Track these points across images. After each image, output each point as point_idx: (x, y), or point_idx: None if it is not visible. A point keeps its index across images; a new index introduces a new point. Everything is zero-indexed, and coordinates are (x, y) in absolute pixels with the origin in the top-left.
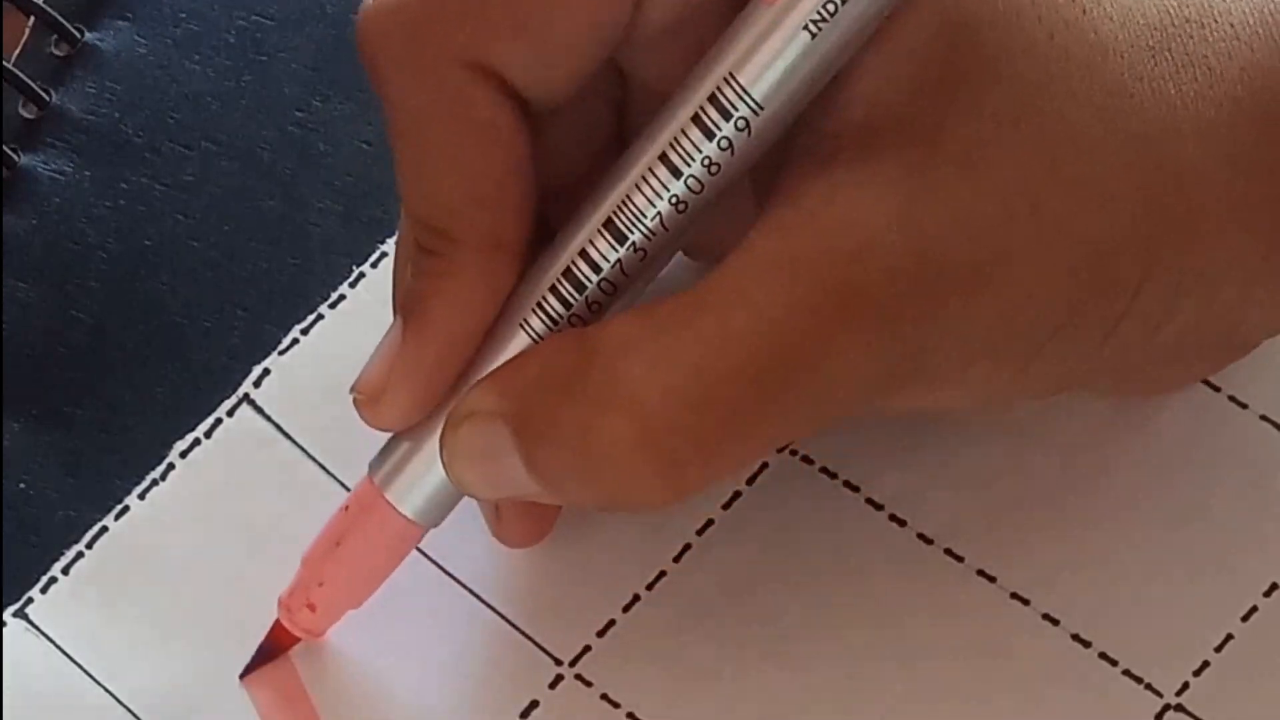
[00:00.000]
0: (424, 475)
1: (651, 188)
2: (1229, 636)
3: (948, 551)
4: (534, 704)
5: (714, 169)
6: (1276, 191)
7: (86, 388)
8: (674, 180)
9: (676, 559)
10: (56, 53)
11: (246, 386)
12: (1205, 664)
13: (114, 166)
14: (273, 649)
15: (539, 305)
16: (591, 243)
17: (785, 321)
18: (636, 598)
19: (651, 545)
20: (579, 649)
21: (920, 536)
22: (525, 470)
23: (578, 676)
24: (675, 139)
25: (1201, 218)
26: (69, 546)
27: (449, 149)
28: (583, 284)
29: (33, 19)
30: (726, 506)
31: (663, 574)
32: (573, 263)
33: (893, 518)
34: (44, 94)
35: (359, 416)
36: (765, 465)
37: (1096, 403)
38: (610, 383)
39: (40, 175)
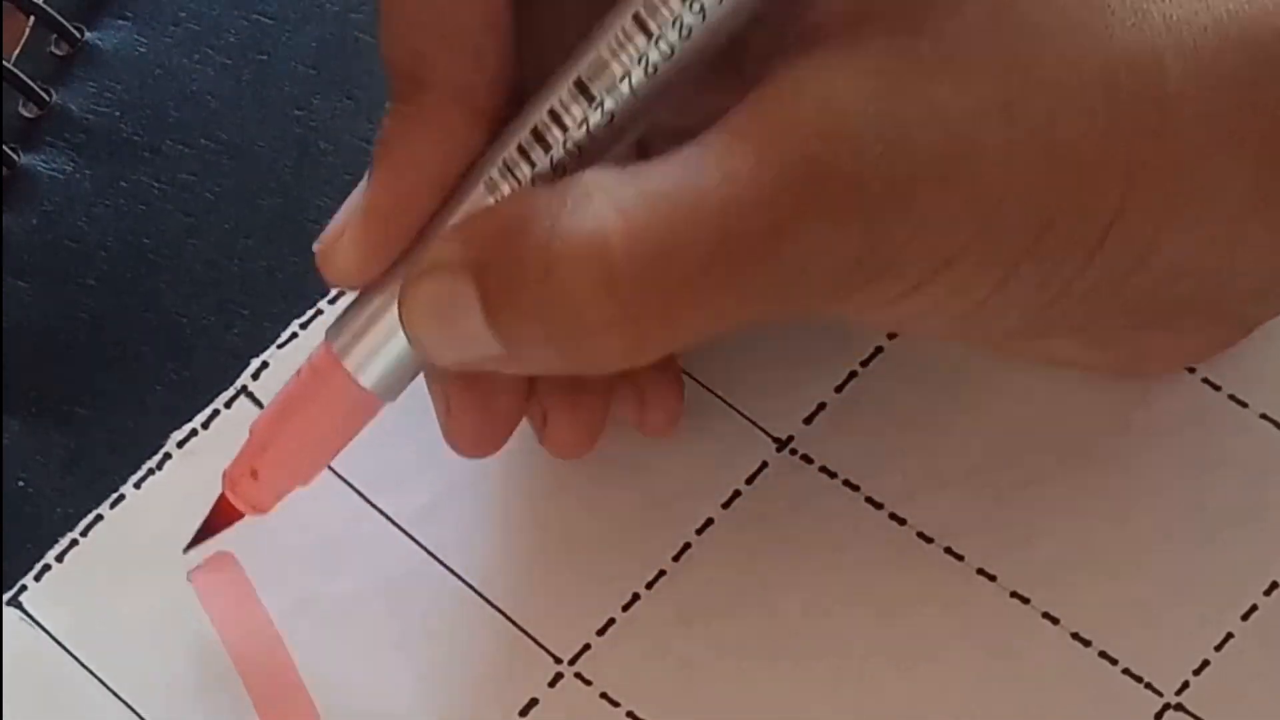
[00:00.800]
0: (383, 344)
1: (623, 48)
2: (1229, 635)
3: (948, 550)
4: (533, 702)
5: (686, 32)
6: (1264, 120)
7: (86, 385)
8: (646, 42)
9: (676, 558)
10: (56, 52)
11: (245, 379)
12: (1205, 663)
13: (114, 165)
14: (215, 523)
15: (504, 164)
16: (561, 102)
17: (755, 190)
18: (636, 596)
19: (651, 544)
20: (579, 647)
21: (920, 535)
22: (485, 327)
23: (577, 675)
24: (648, 0)
25: (1184, 141)
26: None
27: None
28: (549, 144)
29: (33, 18)
30: (726, 506)
31: (662, 573)
32: (541, 121)
33: (893, 516)
34: (44, 93)
35: (319, 269)
36: (765, 465)
37: (1096, 400)
38: (578, 224)
39: (40, 174)
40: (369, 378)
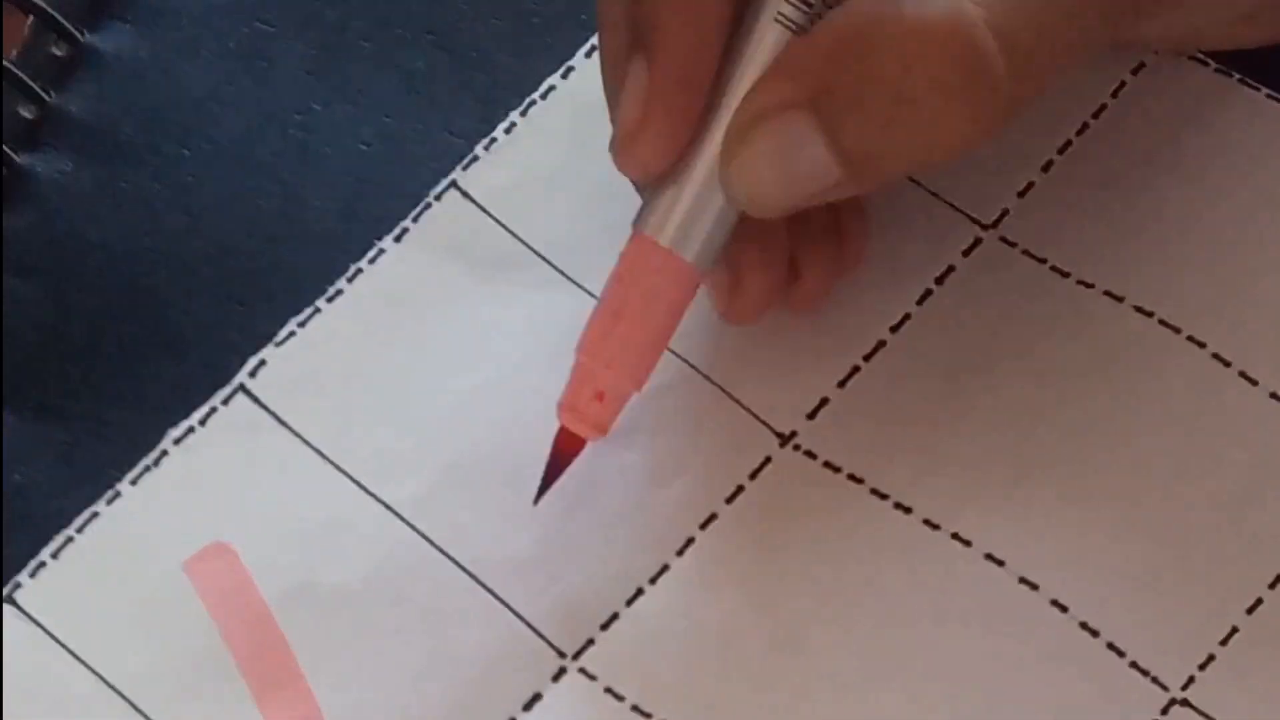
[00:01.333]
0: (695, 212)
1: None
2: (1234, 629)
3: (954, 537)
4: (537, 697)
5: None
6: None
7: (83, 382)
8: None
9: (680, 552)
10: (57, 53)
11: (242, 376)
12: (1211, 657)
13: (113, 166)
14: (560, 461)
15: None
16: None
17: None
18: (640, 591)
19: (655, 538)
20: (583, 642)
21: (926, 523)
22: (829, 155)
23: (581, 670)
24: None
25: None
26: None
27: None
28: None
29: (32, 18)
30: (730, 501)
31: (666, 567)
32: None
33: (898, 506)
34: (44, 94)
35: (621, 169)
36: (769, 459)
37: (1102, 387)
38: (928, 11)
39: (39, 174)
40: (690, 251)
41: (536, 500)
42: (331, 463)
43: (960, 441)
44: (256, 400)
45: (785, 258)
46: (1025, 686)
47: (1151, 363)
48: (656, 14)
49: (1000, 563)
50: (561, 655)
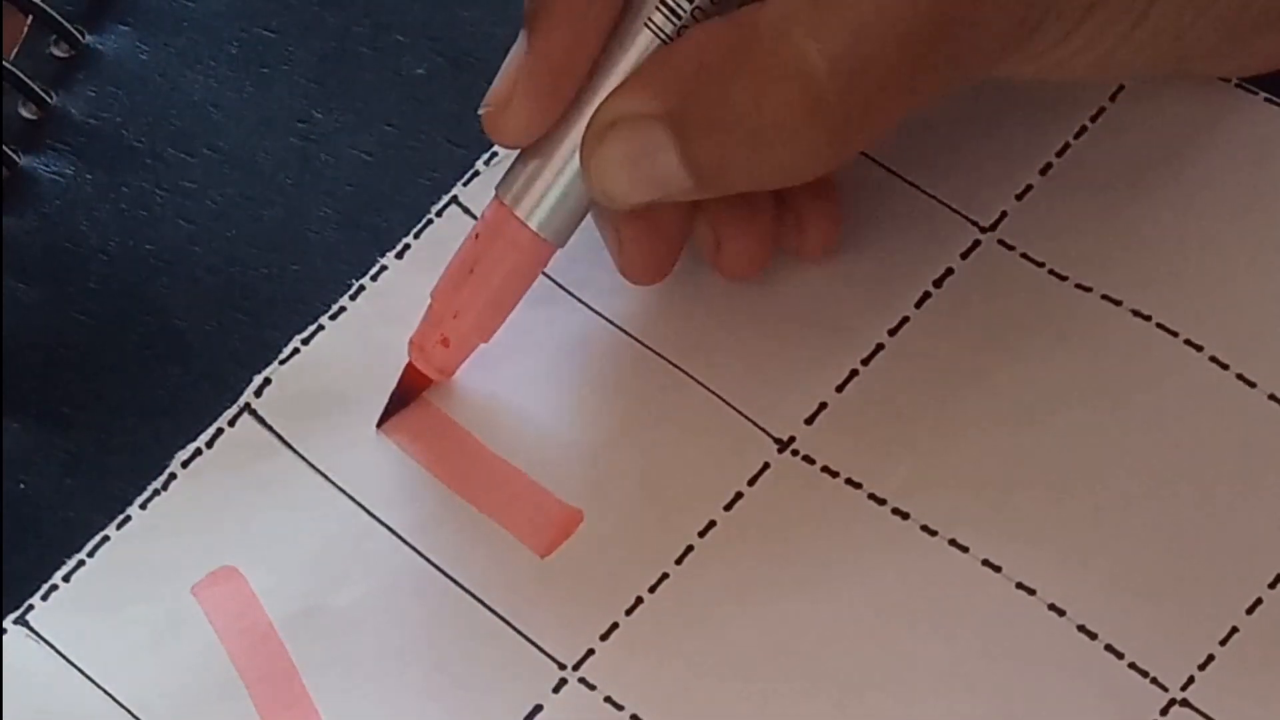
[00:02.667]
0: (553, 190)
1: None
2: (1234, 629)
3: (952, 543)
4: (538, 708)
5: None
6: None
7: (86, 389)
8: None
9: (679, 560)
10: (57, 53)
11: (248, 396)
12: (1210, 657)
13: (115, 170)
14: (405, 394)
15: (663, 4)
16: None
17: None
18: (639, 600)
19: (653, 547)
20: (582, 652)
21: (924, 529)
22: (680, 166)
23: (581, 680)
24: None
25: None
26: (67, 547)
27: None
28: None
29: (31, 18)
30: (728, 508)
31: (665, 576)
32: None
33: (895, 511)
34: (45, 95)
35: (488, 133)
36: (767, 465)
37: (1099, 390)
38: (778, 56)
39: (41, 177)
40: (539, 223)
41: (380, 425)
42: (335, 485)
43: (958, 446)
44: (262, 421)
45: (767, 218)
46: (1024, 690)
47: (1149, 366)
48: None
49: (997, 568)
50: (561, 666)
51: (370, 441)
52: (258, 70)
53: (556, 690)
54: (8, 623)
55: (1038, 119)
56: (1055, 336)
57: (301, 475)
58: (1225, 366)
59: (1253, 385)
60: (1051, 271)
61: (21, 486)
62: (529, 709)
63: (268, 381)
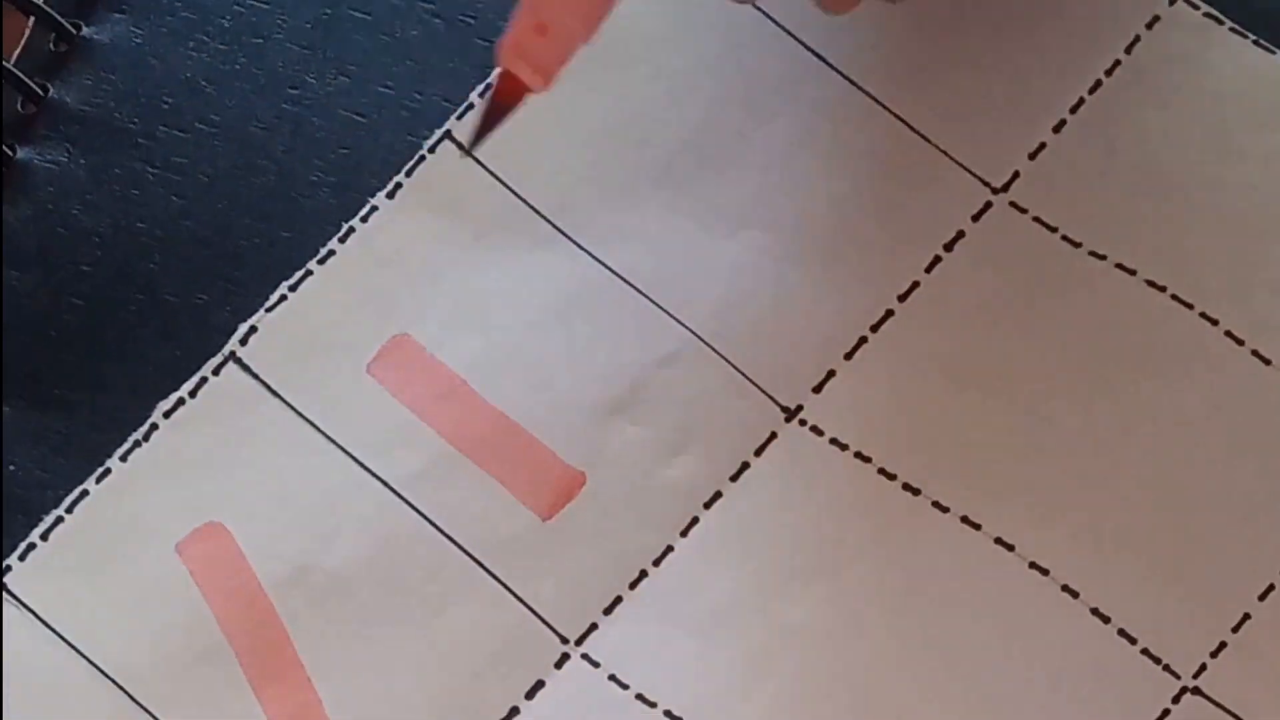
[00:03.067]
0: None
1: None
2: (1246, 615)
3: (964, 520)
4: (539, 684)
5: None
6: None
7: (79, 370)
8: None
9: (684, 533)
10: (55, 49)
11: (233, 344)
12: (1223, 644)
13: (107, 153)
14: (500, 108)
15: None
16: None
17: None
18: (643, 573)
19: (658, 519)
20: (585, 627)
21: (935, 505)
22: None
23: (584, 656)
24: None
25: None
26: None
27: None
28: None
29: (33, 19)
30: (734, 478)
31: (670, 548)
32: None
33: (906, 487)
34: (41, 89)
35: None
36: (774, 435)
37: (1113, 365)
38: None
39: (36, 167)
40: None
41: (473, 146)
42: (326, 436)
43: (970, 419)
44: (248, 369)
45: None
46: (1035, 672)
47: (1162, 339)
48: None
49: (1010, 547)
50: (564, 640)
51: (362, 389)
52: (250, 41)
53: (559, 666)
54: None
55: (1052, 70)
56: (1068, 306)
57: (290, 425)
58: (1240, 342)
59: (1268, 362)
60: (1064, 237)
61: (12, 468)
62: (530, 685)
63: (254, 330)
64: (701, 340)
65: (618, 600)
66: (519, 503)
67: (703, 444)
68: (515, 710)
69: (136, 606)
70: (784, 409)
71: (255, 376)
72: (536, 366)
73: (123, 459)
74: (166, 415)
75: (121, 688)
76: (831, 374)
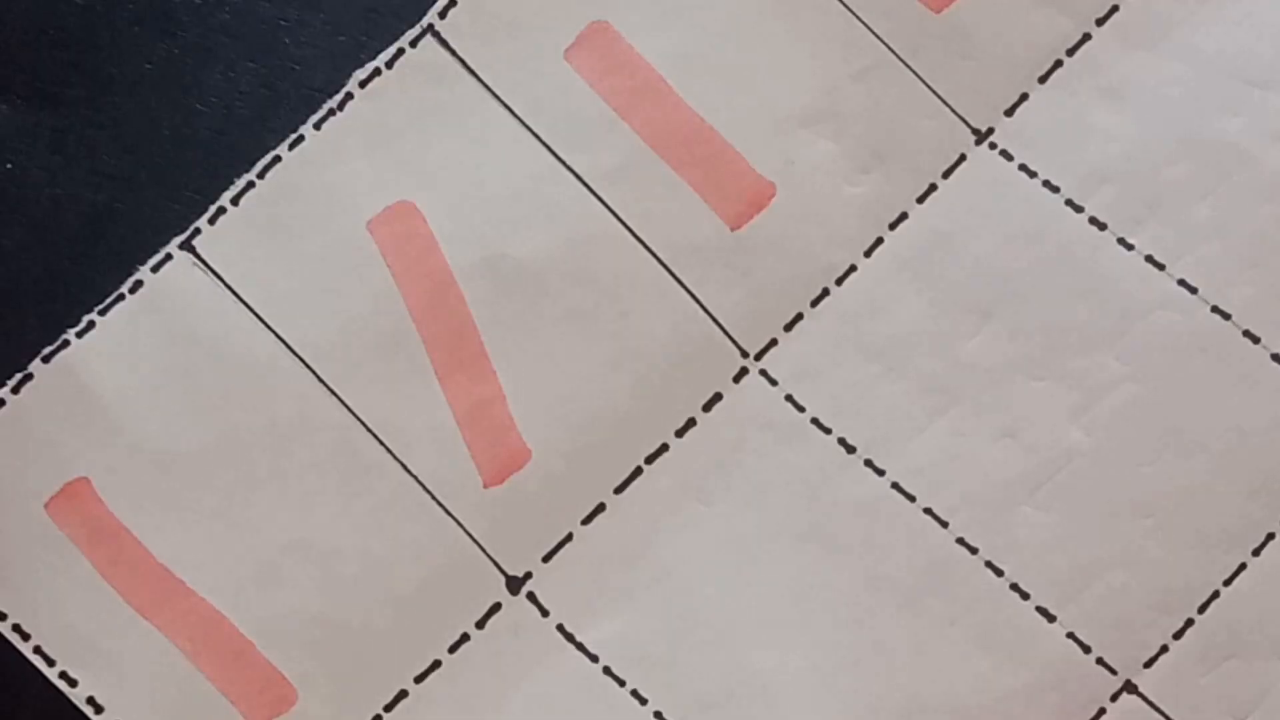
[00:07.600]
0: None
1: None
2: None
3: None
4: (717, 397)
5: None
6: None
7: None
8: None
9: (868, 253)
10: None
11: (431, 16)
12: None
13: None
14: None
15: None
16: None
17: None
18: (825, 291)
19: (843, 238)
20: (765, 341)
21: (1120, 242)
22: None
23: (762, 372)
24: None
25: None
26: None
27: None
28: None
29: None
30: (921, 200)
31: (853, 268)
32: None
33: (1093, 220)
34: None
35: None
36: (963, 157)
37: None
38: None
39: None
40: None
41: None
42: (521, 122)
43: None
44: (445, 44)
45: None
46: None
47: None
48: None
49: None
50: (744, 354)
51: (559, 77)
52: None
53: (737, 380)
54: (173, 248)
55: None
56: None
57: (485, 108)
58: (1257, 340)
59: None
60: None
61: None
62: (708, 397)
63: (453, 2)
64: (896, 55)
65: (799, 317)
66: (710, 210)
67: (891, 162)
68: (692, 422)
69: (324, 282)
70: (974, 131)
71: (453, 53)
72: (732, 69)
73: (316, 127)
74: (362, 85)
75: (307, 364)
76: (1024, 97)
